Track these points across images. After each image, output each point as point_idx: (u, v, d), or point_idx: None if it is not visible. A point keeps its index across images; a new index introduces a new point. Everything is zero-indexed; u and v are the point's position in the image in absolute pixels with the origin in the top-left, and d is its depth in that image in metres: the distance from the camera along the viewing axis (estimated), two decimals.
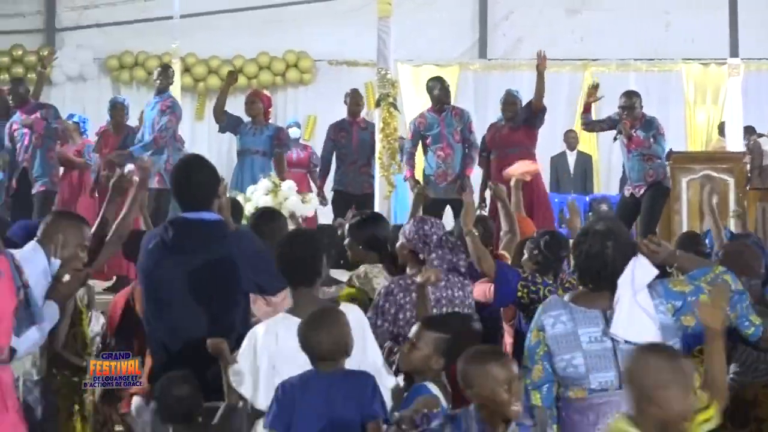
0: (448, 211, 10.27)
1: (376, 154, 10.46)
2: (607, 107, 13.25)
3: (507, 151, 10.13)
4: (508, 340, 5.87)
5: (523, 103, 10.37)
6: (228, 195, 5.29)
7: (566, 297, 4.26)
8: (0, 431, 3.95)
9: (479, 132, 10.59)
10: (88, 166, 11.43)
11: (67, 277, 4.59)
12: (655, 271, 4.13)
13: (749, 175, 10.51)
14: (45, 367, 4.92)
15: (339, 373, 4.14)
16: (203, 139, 15.30)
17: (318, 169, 11.62)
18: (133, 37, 15.72)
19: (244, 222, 7.32)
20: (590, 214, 13.00)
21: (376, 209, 10.03)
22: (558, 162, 14.11)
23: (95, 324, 5.75)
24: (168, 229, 4.82)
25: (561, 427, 4.11)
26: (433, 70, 15.00)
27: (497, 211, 7.75)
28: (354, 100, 11.12)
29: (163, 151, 10.23)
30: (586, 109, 10.50)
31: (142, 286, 4.92)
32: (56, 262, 4.60)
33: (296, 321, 4.32)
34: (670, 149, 10.24)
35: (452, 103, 10.78)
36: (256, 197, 9.91)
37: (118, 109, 11.10)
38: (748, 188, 10.17)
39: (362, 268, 5.83)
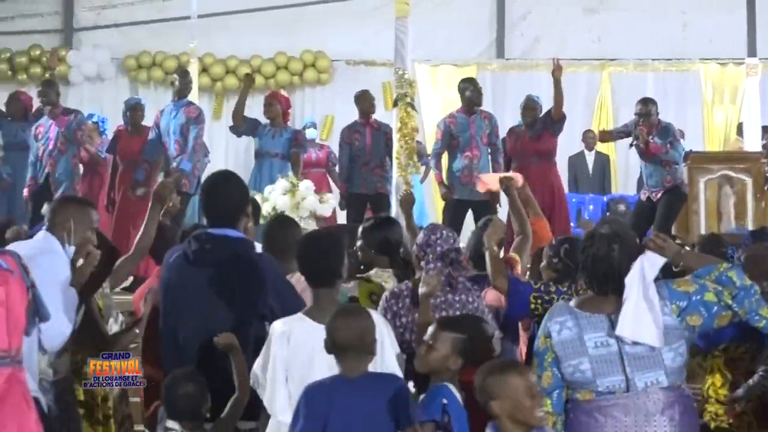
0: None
1: (393, 154, 10.46)
2: (624, 109, 13.23)
3: (529, 160, 10.22)
4: (523, 348, 5.83)
5: (544, 109, 10.41)
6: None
7: (572, 302, 4.27)
8: (27, 430, 3.95)
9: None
10: (106, 161, 11.47)
11: (80, 262, 4.55)
12: (663, 259, 4.16)
13: (767, 175, 10.47)
14: (68, 367, 4.91)
15: (368, 377, 4.05)
16: (221, 138, 15.27)
17: (336, 168, 11.62)
18: (151, 37, 15.74)
19: (261, 222, 7.33)
20: (608, 214, 13.00)
21: (392, 209, 10.04)
22: (576, 162, 14.12)
23: (114, 324, 5.76)
24: (191, 243, 4.79)
25: (569, 428, 4.13)
26: (450, 70, 15.01)
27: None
28: (367, 101, 11.07)
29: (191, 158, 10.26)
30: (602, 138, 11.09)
31: (161, 299, 4.88)
32: (71, 249, 4.59)
33: (311, 323, 4.32)
34: (690, 150, 10.23)
35: None
36: (273, 197, 9.96)
37: (137, 110, 11.08)
38: (766, 188, 10.15)
39: (372, 273, 5.81)
